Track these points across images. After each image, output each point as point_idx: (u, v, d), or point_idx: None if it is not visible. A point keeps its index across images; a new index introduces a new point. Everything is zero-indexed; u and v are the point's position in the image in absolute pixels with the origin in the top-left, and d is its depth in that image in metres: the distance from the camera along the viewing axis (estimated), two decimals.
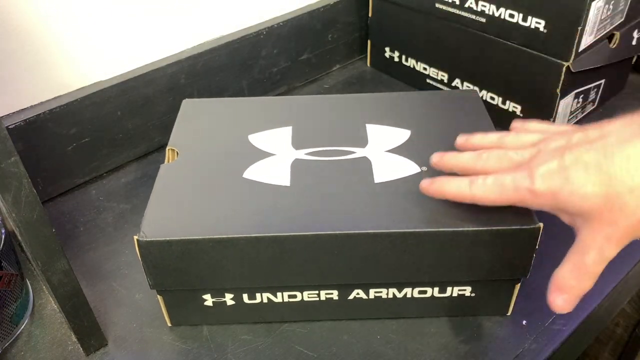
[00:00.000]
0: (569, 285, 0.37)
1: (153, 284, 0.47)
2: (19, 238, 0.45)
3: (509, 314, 0.51)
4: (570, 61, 0.65)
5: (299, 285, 0.48)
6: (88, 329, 0.48)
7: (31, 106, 0.63)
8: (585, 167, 0.35)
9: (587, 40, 0.65)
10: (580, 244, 0.37)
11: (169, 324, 0.51)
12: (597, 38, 0.67)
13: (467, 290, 0.49)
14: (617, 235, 0.35)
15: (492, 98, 0.75)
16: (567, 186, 0.36)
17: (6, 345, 0.50)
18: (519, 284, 0.49)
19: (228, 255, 0.45)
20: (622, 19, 0.70)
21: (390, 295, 0.49)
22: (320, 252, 0.45)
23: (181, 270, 0.46)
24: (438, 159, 0.47)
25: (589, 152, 0.35)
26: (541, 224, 0.44)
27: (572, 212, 0.37)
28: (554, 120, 0.70)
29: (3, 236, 0.49)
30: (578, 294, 0.37)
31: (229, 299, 0.49)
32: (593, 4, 0.61)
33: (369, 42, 0.89)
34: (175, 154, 0.53)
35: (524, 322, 0.51)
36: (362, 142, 0.54)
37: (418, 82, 0.84)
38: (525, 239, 0.44)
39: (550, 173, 0.37)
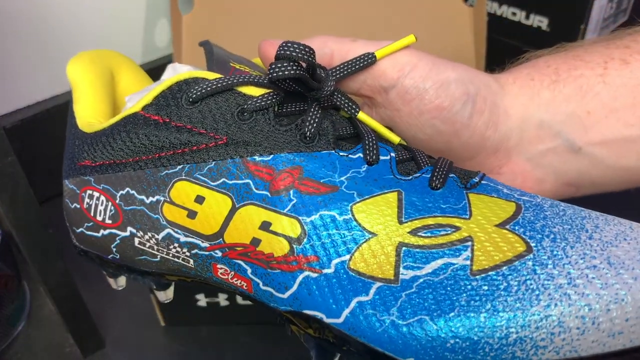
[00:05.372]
0: None
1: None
2: (16, 239, 0.45)
3: None
4: None
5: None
6: (85, 331, 0.47)
7: (28, 106, 0.62)
8: None
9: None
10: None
11: (162, 324, 0.51)
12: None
13: None
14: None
15: None
16: None
17: (3, 347, 0.49)
18: None
19: None
20: (626, 18, 0.69)
21: None
22: None
23: None
24: None
25: None
26: None
27: None
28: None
29: (0, 237, 0.48)
30: None
31: (223, 299, 0.48)
32: (596, 2, 0.61)
33: None
34: None
35: None
36: None
37: None
38: None
39: None
